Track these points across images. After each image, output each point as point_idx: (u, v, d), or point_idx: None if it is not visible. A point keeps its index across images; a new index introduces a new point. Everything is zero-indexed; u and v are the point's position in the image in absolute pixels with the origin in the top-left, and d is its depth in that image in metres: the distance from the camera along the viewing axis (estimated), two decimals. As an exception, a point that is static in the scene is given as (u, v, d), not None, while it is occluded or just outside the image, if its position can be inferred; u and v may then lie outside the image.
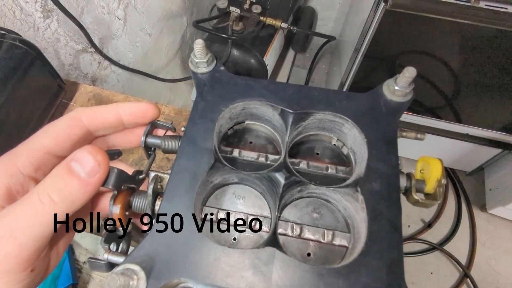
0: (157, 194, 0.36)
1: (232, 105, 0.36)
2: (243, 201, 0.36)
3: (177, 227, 0.30)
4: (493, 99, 1.31)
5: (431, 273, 1.70)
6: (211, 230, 0.34)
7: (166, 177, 0.37)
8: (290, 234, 0.34)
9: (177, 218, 0.30)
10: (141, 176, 0.37)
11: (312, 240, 0.34)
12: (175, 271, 0.27)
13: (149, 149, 0.39)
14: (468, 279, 1.68)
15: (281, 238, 0.34)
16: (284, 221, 0.34)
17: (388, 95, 0.36)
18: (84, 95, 0.88)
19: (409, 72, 0.34)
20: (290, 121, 0.36)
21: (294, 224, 0.33)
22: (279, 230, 0.33)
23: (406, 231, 1.77)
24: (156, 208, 0.35)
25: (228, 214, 0.34)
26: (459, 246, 1.76)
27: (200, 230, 0.30)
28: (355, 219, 0.32)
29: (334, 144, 0.39)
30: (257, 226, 0.34)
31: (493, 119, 1.42)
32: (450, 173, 1.91)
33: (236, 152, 0.39)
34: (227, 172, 0.34)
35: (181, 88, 1.79)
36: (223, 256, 0.28)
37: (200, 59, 0.37)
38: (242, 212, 0.34)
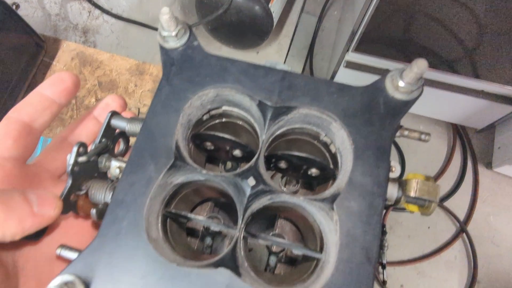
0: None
1: (202, 92, 0.31)
2: (208, 204, 0.32)
3: (123, 238, 0.27)
4: (515, 52, 1.19)
5: (428, 227, 1.73)
6: (170, 236, 0.32)
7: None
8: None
9: (124, 228, 0.27)
10: (80, 159, 0.32)
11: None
12: (115, 286, 0.25)
13: (109, 134, 0.35)
14: (464, 234, 1.71)
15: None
16: (249, 234, 0.30)
17: (390, 90, 0.30)
18: (66, 53, 0.81)
19: (419, 67, 0.27)
20: (268, 115, 0.31)
21: (260, 240, 0.30)
22: (241, 245, 0.30)
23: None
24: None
25: (188, 220, 0.31)
26: (459, 203, 1.77)
27: (148, 240, 0.27)
28: (328, 238, 0.29)
29: (321, 140, 0.34)
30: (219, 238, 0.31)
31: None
32: (459, 130, 1.85)
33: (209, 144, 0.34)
34: (191, 171, 0.30)
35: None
36: (167, 275, 0.26)
37: (168, 32, 0.31)
38: (205, 220, 0.31)
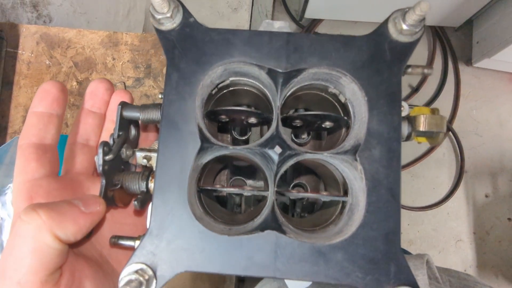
0: (148, 173, 0.35)
1: (211, 71, 0.31)
2: (237, 175, 0.35)
3: (173, 222, 0.29)
4: None
5: (416, 133, 1.82)
6: (210, 211, 0.34)
7: (154, 156, 0.35)
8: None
9: (173, 215, 0.29)
10: (107, 157, 0.33)
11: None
12: (178, 265, 0.29)
13: (124, 125, 0.35)
14: (450, 132, 1.82)
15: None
16: (280, 194, 0.33)
17: (394, 34, 0.31)
18: (29, 38, 0.74)
19: (421, 9, 0.28)
20: (280, 81, 0.32)
21: (292, 196, 0.33)
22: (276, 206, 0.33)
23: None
24: (151, 188, 0.34)
25: (220, 192, 0.34)
26: (443, 104, 1.85)
27: (197, 219, 0.30)
28: (353, 184, 0.32)
29: (330, 91, 0.35)
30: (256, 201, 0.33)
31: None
32: (438, 31, 1.85)
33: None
34: (217, 150, 0.32)
35: (140, -12, 1.52)
36: (223, 245, 0.29)
37: (163, 14, 0.30)
38: (238, 188, 0.34)
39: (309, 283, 0.34)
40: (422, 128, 0.33)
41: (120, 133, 0.35)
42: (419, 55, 1.89)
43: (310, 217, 0.42)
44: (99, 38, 0.75)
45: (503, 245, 1.81)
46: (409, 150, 1.83)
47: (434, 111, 0.36)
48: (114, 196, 0.35)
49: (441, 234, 1.82)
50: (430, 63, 1.88)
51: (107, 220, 0.37)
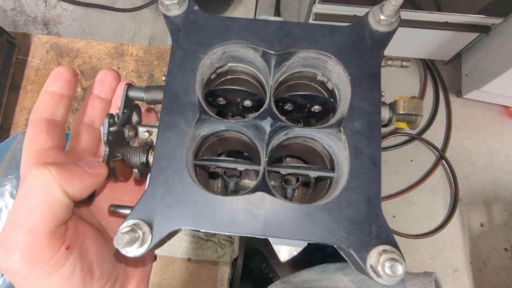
0: (148, 148, 0.37)
1: (212, 51, 0.35)
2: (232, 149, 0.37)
3: (171, 183, 0.31)
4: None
5: (411, 160, 1.87)
6: (205, 182, 0.37)
7: (155, 131, 0.38)
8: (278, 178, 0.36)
9: (170, 175, 0.32)
10: (112, 128, 0.36)
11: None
12: (174, 223, 0.30)
13: (129, 105, 0.38)
14: (443, 160, 1.86)
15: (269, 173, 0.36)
16: (272, 166, 0.36)
17: (374, 25, 0.35)
18: (40, 47, 0.80)
19: (396, 0, 0.32)
20: (273, 63, 0.35)
21: (281, 170, 0.35)
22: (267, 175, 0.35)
23: (389, 127, 1.88)
24: (150, 160, 0.37)
25: (215, 165, 0.36)
26: (436, 133, 1.91)
27: (193, 181, 0.32)
28: (339, 157, 0.35)
29: (319, 80, 0.39)
30: (248, 177, 0.36)
31: (471, 2, 1.42)
32: (428, 64, 1.95)
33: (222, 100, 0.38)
34: (214, 123, 0.35)
35: (145, 15, 1.62)
36: (217, 204, 0.31)
37: (171, 1, 0.34)
38: (232, 161, 0.36)
39: (298, 251, 0.35)
40: (402, 110, 0.37)
41: (125, 110, 0.38)
42: (411, 87, 1.98)
43: (301, 200, 0.44)
44: (106, 49, 0.79)
45: (500, 277, 1.78)
46: (403, 177, 1.86)
47: (413, 97, 0.39)
48: (115, 168, 0.37)
49: (437, 263, 1.80)
50: (422, 94, 1.95)
51: (106, 195, 0.39)
